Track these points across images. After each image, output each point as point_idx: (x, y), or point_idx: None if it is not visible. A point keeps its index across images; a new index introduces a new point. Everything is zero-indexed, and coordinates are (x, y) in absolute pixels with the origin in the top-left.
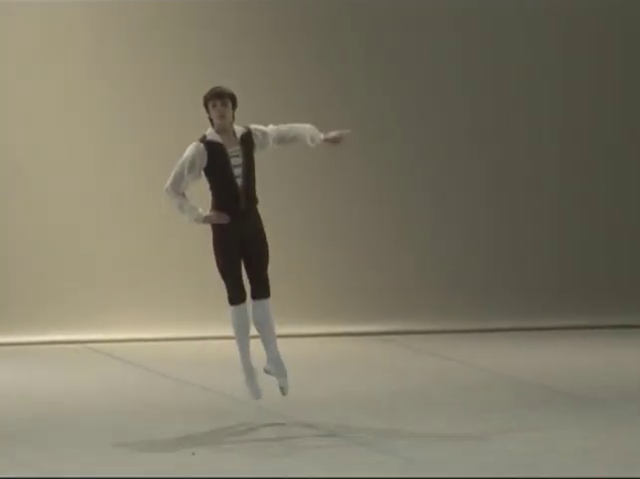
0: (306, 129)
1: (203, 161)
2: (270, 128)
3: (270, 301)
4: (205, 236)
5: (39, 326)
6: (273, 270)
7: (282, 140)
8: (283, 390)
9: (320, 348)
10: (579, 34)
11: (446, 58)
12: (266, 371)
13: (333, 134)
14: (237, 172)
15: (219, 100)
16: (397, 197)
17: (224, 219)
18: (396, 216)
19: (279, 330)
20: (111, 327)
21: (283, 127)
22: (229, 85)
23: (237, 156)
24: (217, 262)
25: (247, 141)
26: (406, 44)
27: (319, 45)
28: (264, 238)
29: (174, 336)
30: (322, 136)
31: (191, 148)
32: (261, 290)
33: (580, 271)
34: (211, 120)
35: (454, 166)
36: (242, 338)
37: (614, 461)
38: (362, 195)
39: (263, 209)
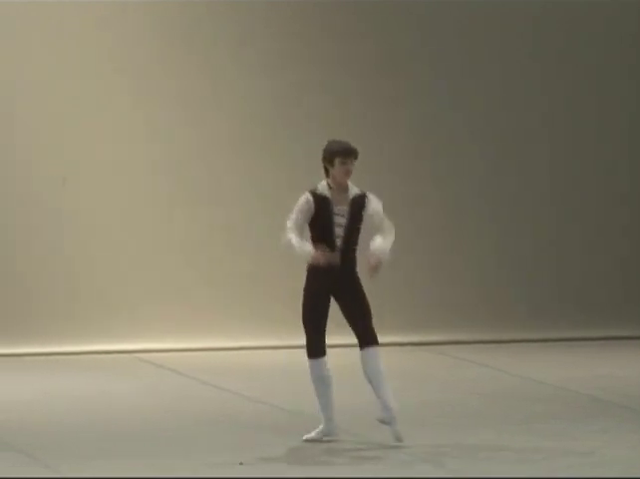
0: (382, 241)
1: (311, 212)
2: (379, 210)
3: (378, 350)
4: (259, 247)
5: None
6: None
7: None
8: (398, 438)
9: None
10: None
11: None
12: (380, 421)
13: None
14: (338, 231)
15: (349, 158)
16: (453, 210)
17: (326, 259)
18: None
19: (329, 340)
20: (162, 337)
21: (381, 221)
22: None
23: (342, 215)
24: (303, 310)
25: (358, 203)
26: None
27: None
28: (362, 288)
29: (224, 346)
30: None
31: (302, 198)
32: (368, 339)
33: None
34: (327, 171)
35: (509, 179)
36: (322, 393)
37: None
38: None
39: None
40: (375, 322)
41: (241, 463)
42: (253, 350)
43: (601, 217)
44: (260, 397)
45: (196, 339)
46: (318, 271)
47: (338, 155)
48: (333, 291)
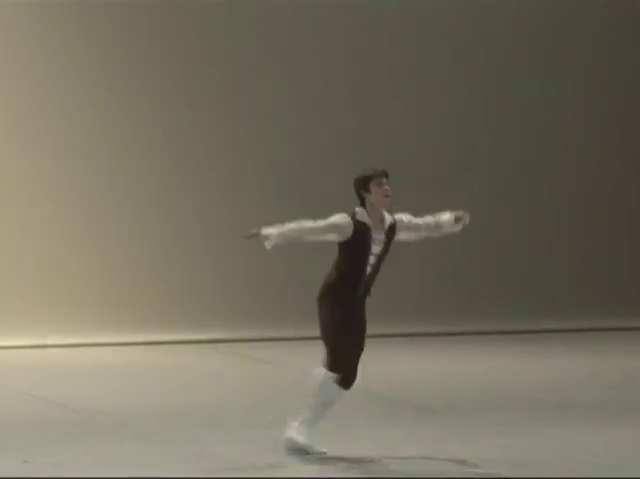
0: (441, 219)
1: (346, 234)
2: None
3: None
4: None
5: None
6: None
7: (411, 228)
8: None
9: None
10: None
11: None
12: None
13: (460, 215)
14: (372, 259)
15: (384, 178)
16: None
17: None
18: None
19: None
20: None
21: (409, 218)
22: None
23: (378, 244)
24: (338, 341)
25: (392, 232)
26: None
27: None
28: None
29: None
30: (452, 220)
31: (341, 216)
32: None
33: None
34: (362, 199)
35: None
36: (323, 412)
37: None
38: None
39: None
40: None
41: (26, 461)
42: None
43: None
44: (46, 396)
45: None
46: (345, 297)
47: (372, 178)
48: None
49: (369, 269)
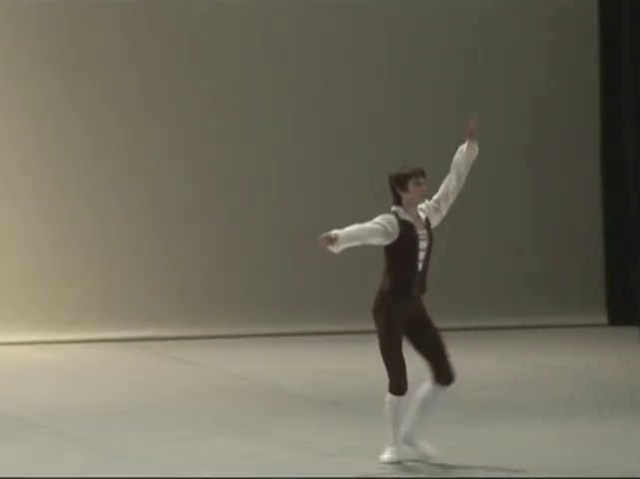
0: (454, 161)
1: (394, 236)
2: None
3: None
4: None
5: None
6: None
7: (437, 209)
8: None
9: None
10: None
11: None
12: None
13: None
14: (421, 255)
15: (422, 177)
16: None
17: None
18: None
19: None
20: None
21: (435, 196)
22: None
23: (424, 239)
24: (385, 348)
25: (429, 224)
26: None
27: None
28: (430, 319)
29: None
30: (465, 146)
31: (387, 217)
32: (448, 377)
33: None
34: (397, 197)
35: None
36: (399, 426)
37: None
38: None
39: None
40: None
41: None
42: None
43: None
44: None
45: None
46: (397, 300)
47: (410, 176)
48: (407, 324)
49: (420, 267)
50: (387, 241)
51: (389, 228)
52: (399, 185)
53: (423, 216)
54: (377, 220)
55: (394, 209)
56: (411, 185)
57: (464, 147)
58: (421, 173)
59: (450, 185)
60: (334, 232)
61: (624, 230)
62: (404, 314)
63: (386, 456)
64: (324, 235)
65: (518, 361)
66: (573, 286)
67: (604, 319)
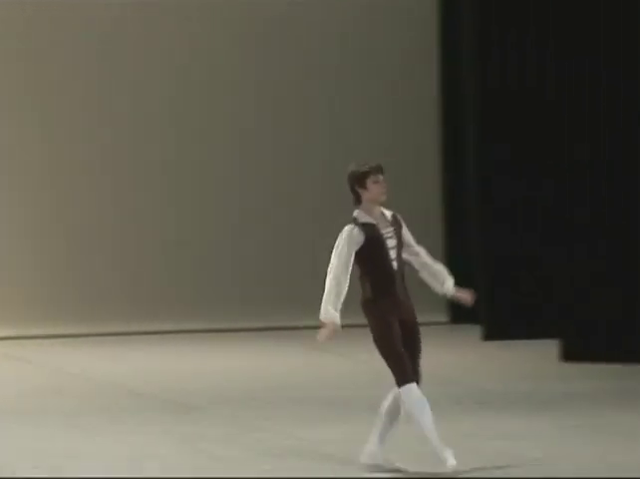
0: (440, 269)
1: (360, 242)
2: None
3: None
4: None
5: None
6: None
7: (408, 249)
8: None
9: None
10: None
11: None
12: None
13: (464, 296)
14: (392, 254)
15: (380, 174)
16: None
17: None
18: None
19: None
20: None
21: (410, 238)
22: None
23: (392, 237)
24: (384, 347)
25: (397, 221)
26: None
27: None
28: (417, 320)
29: None
30: (452, 289)
31: (346, 231)
32: (418, 378)
33: None
34: (357, 197)
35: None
36: (426, 414)
37: None
38: None
39: None
40: None
41: None
42: None
43: None
44: None
45: None
46: (383, 302)
47: (368, 174)
48: (399, 321)
49: (395, 265)
50: (356, 249)
51: (355, 240)
52: (357, 183)
53: (388, 213)
54: (339, 244)
55: (354, 214)
56: (369, 183)
57: (449, 286)
58: (380, 169)
59: (416, 262)
60: (330, 322)
61: (462, 228)
62: (394, 314)
63: (450, 462)
64: (325, 332)
65: (360, 361)
66: (414, 285)
67: (445, 318)
